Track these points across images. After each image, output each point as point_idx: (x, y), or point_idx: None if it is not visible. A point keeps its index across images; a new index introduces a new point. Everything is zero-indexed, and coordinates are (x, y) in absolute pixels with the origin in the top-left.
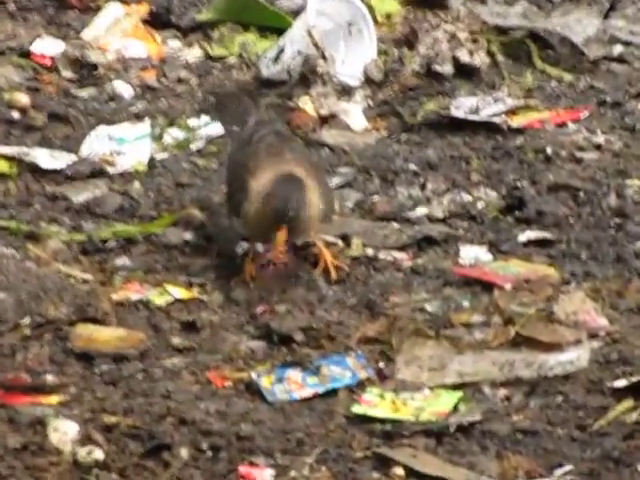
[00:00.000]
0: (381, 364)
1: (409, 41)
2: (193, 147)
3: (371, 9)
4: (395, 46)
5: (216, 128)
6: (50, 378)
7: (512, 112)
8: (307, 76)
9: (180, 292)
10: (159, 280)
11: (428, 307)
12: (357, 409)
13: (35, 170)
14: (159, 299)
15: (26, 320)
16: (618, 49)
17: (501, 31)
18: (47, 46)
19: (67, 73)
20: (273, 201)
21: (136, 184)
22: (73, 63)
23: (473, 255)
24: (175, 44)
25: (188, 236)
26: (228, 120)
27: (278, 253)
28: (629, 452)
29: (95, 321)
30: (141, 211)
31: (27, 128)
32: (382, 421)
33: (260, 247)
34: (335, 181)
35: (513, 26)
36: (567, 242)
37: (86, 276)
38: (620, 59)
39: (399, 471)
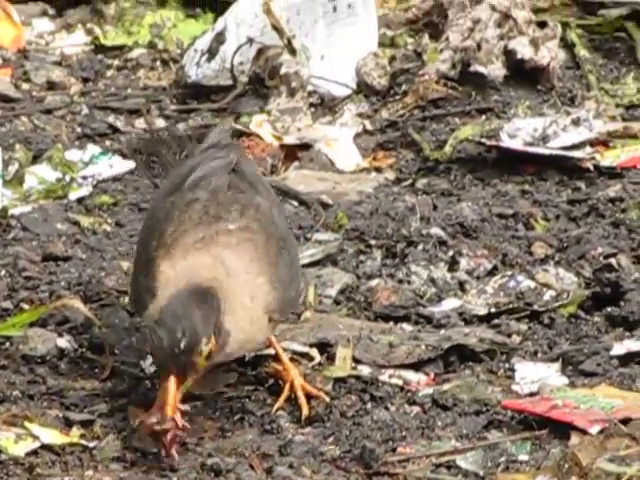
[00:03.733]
0: None
1: (433, 24)
2: (73, 196)
3: None
4: (410, 32)
5: (110, 164)
6: None
7: (602, 143)
8: (263, 80)
9: (51, 435)
10: (16, 415)
11: (461, 463)
12: None
13: None
14: (16, 446)
15: None
16: None
17: (586, 7)
18: None
19: None
20: (156, 331)
21: None
22: None
23: (536, 378)
24: (45, 26)
25: (64, 343)
26: (158, 170)
27: (168, 415)
28: None
29: None
30: None
31: None
32: None
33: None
34: (308, 254)
35: (606, 0)
36: None
37: None
38: None
39: None
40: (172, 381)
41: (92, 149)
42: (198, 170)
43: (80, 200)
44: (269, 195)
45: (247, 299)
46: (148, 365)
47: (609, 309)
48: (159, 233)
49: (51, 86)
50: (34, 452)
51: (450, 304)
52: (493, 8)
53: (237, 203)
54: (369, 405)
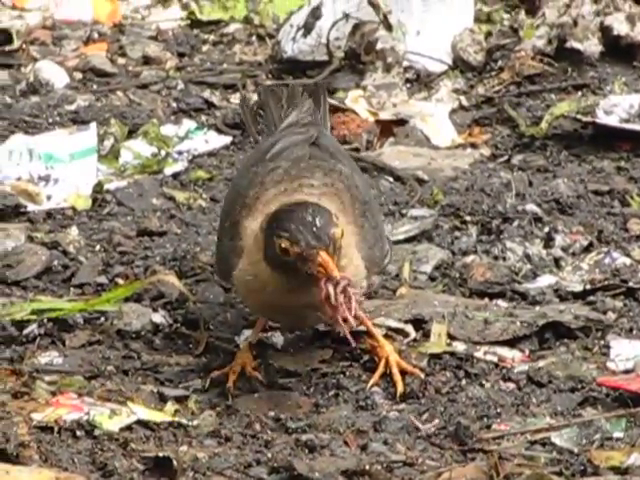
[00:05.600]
0: None
1: (529, 0)
2: (168, 171)
3: None
4: (506, 8)
5: (206, 139)
6: None
7: None
8: (359, 56)
9: (145, 410)
10: (111, 390)
11: (556, 440)
12: None
13: None
14: (110, 421)
15: None
16: None
17: None
18: None
19: None
20: (283, 229)
21: (73, 231)
22: None
23: (631, 355)
24: (141, 0)
25: (159, 318)
26: (262, 126)
27: (338, 276)
28: None
29: (4, 457)
30: (81, 276)
31: None
32: None
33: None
34: (403, 229)
35: None
36: None
37: None
38: None
39: None
40: (324, 255)
41: (187, 124)
42: (279, 143)
43: (175, 175)
44: (350, 164)
45: (355, 228)
46: (242, 340)
47: None
48: (242, 197)
49: (147, 61)
50: (128, 427)
51: (545, 281)
52: None
53: (319, 168)
54: (464, 382)
